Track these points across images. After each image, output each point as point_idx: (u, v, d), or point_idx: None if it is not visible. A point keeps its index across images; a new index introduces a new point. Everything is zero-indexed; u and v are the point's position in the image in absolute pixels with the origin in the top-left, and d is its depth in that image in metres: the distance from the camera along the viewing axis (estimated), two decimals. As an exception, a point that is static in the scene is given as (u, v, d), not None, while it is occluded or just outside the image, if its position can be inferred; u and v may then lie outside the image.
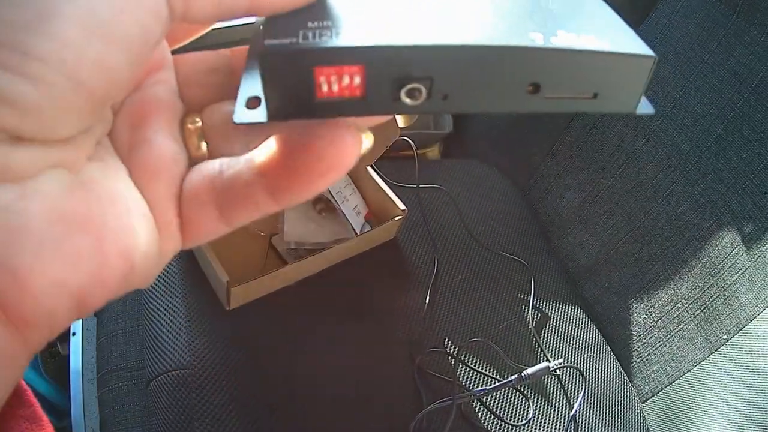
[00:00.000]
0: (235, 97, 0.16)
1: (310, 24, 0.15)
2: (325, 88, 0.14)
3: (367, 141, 0.16)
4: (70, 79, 0.12)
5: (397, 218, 0.63)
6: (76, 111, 0.13)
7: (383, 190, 0.65)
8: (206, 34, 0.18)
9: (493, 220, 0.77)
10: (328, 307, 0.61)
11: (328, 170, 0.14)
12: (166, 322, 0.56)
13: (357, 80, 0.14)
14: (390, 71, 0.15)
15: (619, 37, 0.16)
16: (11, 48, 0.11)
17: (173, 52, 0.18)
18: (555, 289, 0.72)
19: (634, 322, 0.69)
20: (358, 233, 0.64)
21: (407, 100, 0.15)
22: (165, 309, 0.57)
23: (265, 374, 0.54)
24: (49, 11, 0.11)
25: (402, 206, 0.63)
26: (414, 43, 0.14)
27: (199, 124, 0.17)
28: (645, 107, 0.17)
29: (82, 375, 0.62)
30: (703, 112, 0.64)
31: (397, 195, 0.64)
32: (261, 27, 0.15)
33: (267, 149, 0.15)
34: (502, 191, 0.81)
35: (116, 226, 0.14)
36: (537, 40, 0.15)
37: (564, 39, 0.15)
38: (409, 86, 0.15)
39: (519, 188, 0.84)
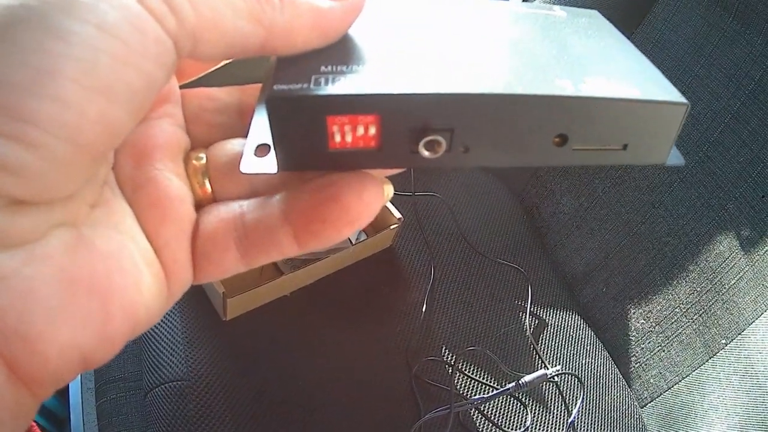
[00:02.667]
0: (242, 136, 0.15)
1: (323, 68, 0.14)
2: (338, 138, 0.14)
3: (389, 192, 0.16)
4: (71, 142, 0.11)
5: (393, 227, 0.63)
6: (78, 170, 0.12)
7: (379, 198, 0.65)
8: (217, 70, 0.18)
9: (489, 226, 0.76)
10: (325, 316, 0.61)
11: (355, 221, 0.14)
12: (163, 334, 0.57)
13: (372, 130, 0.14)
14: (408, 121, 0.14)
15: (648, 83, 0.15)
16: (9, 114, 0.11)
17: (182, 87, 0.18)
18: (552, 296, 0.72)
19: (632, 328, 0.68)
20: (354, 242, 0.64)
21: (426, 153, 0.14)
22: (162, 320, 0.57)
23: (263, 385, 0.54)
24: (49, 69, 0.11)
25: (398, 214, 0.63)
26: (433, 91, 0.13)
27: (204, 161, 0.17)
28: (675, 157, 0.16)
29: (82, 384, 0.62)
30: (700, 116, 0.63)
31: (392, 203, 0.64)
32: (273, 67, 0.14)
33: (293, 196, 0.15)
34: (498, 197, 0.81)
35: (121, 283, 0.13)
36: (565, 87, 0.14)
37: (593, 86, 0.14)
38: (429, 138, 0.14)
39: (515, 194, 0.84)
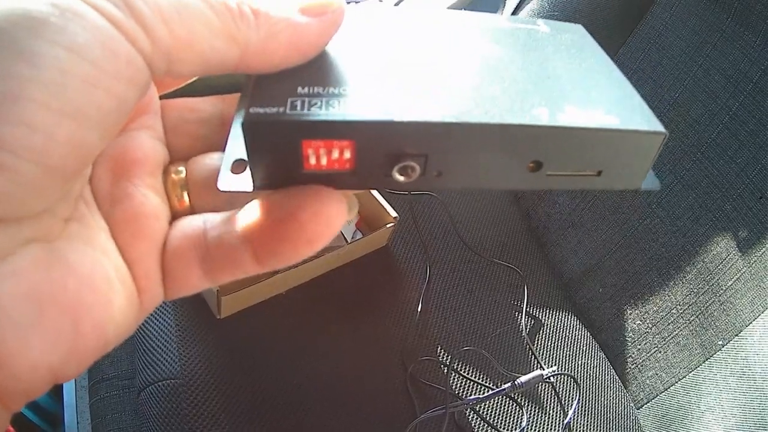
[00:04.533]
0: (222, 149, 0.15)
1: (300, 90, 0.14)
2: (313, 160, 0.14)
3: (353, 209, 0.15)
4: (38, 164, 0.11)
5: (388, 225, 0.63)
6: (48, 190, 0.12)
7: (374, 197, 0.64)
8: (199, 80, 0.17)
9: (485, 226, 0.76)
10: (320, 315, 0.60)
11: (314, 240, 0.14)
12: (157, 332, 0.56)
13: (347, 154, 0.14)
14: (382, 147, 0.14)
15: (627, 110, 0.15)
16: None
17: (162, 97, 0.18)
18: (548, 296, 0.72)
19: (629, 329, 0.68)
20: (349, 241, 0.63)
21: (399, 177, 0.14)
22: (155, 318, 0.57)
23: (257, 384, 0.54)
24: (15, 93, 0.11)
25: (393, 213, 0.63)
26: (409, 119, 0.13)
27: (183, 175, 0.16)
28: (650, 182, 0.16)
29: (75, 382, 0.62)
30: (698, 117, 0.63)
31: (388, 202, 0.64)
32: (251, 82, 0.14)
33: (251, 214, 0.15)
34: (494, 197, 0.81)
35: (92, 301, 0.13)
36: (542, 116, 0.14)
37: (570, 115, 0.14)
38: (403, 164, 0.14)
39: (511, 194, 0.83)
